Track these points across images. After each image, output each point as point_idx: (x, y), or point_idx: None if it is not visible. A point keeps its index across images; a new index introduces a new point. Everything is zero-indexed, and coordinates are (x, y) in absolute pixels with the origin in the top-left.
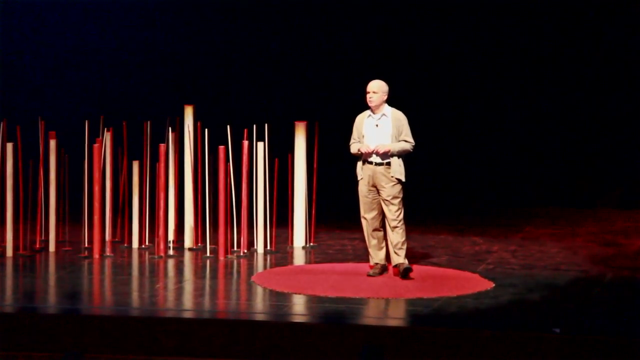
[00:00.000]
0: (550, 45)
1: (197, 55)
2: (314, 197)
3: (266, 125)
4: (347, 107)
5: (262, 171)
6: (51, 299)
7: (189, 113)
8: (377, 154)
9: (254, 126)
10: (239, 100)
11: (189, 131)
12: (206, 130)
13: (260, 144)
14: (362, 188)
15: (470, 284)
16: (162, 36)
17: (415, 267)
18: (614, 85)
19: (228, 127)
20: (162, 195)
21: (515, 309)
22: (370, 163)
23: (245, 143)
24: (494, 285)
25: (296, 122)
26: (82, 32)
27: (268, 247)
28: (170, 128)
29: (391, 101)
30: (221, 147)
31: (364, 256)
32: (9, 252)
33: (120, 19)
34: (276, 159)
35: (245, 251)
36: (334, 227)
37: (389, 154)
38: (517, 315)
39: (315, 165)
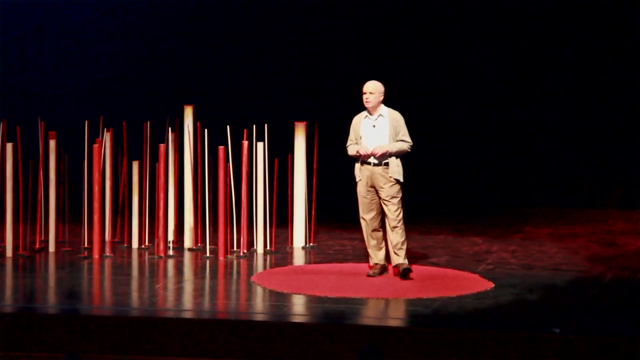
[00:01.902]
0: (550, 45)
1: (197, 55)
2: (313, 197)
3: (266, 125)
4: (347, 107)
5: (261, 171)
6: (51, 299)
7: (188, 113)
8: (375, 156)
9: (254, 126)
10: (239, 100)
11: (188, 131)
12: (206, 130)
13: (260, 144)
14: (361, 189)
15: (470, 284)
16: (162, 36)
17: (415, 267)
18: (614, 85)
19: (228, 127)
20: (161, 195)
21: (515, 309)
22: (369, 164)
23: (245, 143)
24: (493, 285)
25: (296, 122)
26: (82, 33)
27: (268, 248)
28: (170, 128)
29: (391, 101)
30: (221, 148)
31: (363, 256)
32: (9, 252)
33: (121, 19)
34: (276, 159)
35: (245, 251)
36: (334, 227)
37: (387, 154)
38: (517, 315)
39: (315, 166)
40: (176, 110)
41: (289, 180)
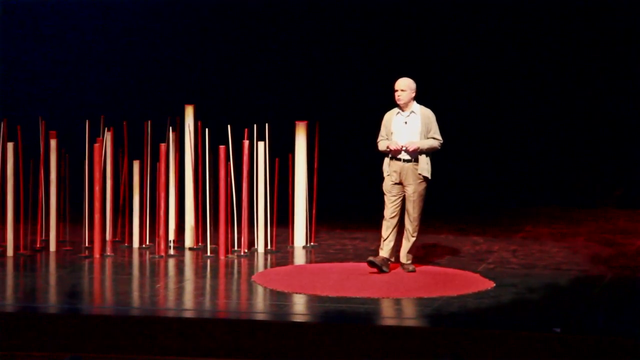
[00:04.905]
0: (551, 45)
1: (197, 55)
2: (314, 196)
3: (267, 125)
4: (347, 107)
5: (262, 171)
6: (51, 299)
7: (189, 113)
8: (407, 151)
9: (255, 126)
10: (239, 100)
11: (189, 131)
12: (207, 129)
13: (261, 144)
14: (387, 184)
15: (470, 283)
16: (163, 36)
17: (416, 266)
18: (614, 85)
19: (228, 126)
20: (162, 194)
21: (515, 308)
22: (399, 160)
23: (246, 143)
24: (494, 284)
25: (297, 122)
26: (82, 32)
27: (268, 247)
28: (170, 128)
29: (386, 101)
30: (222, 147)
31: (364, 256)
32: (10, 251)
33: (121, 18)
34: (277, 159)
35: (246, 251)
36: (335, 226)
37: (418, 151)
38: (517, 315)
39: (315, 165)
40: (177, 110)
41: (290, 180)
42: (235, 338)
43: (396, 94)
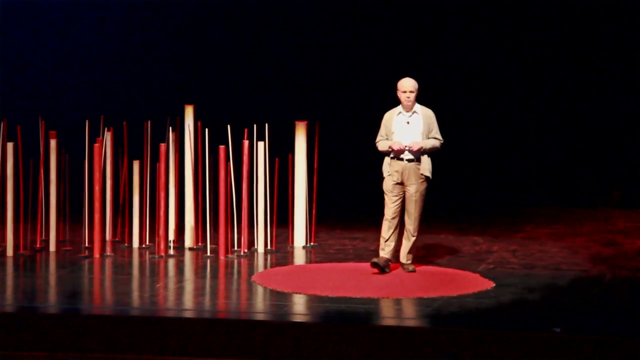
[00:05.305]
0: (550, 44)
1: (197, 55)
2: (314, 196)
3: (266, 125)
4: (347, 107)
5: (262, 171)
6: (51, 299)
7: (189, 113)
8: (411, 151)
9: (255, 126)
10: (239, 100)
11: (189, 131)
12: (206, 130)
13: (261, 144)
14: (388, 184)
15: (470, 283)
16: (163, 36)
17: (416, 266)
18: (614, 84)
19: (228, 126)
20: (162, 194)
21: (515, 308)
22: (401, 159)
23: (246, 143)
24: (494, 285)
25: (296, 122)
26: (82, 32)
27: (268, 247)
28: (170, 128)
29: (389, 100)
30: (221, 147)
31: (364, 256)
32: (10, 251)
33: (121, 18)
34: (276, 159)
35: (246, 251)
36: (335, 226)
37: (421, 151)
38: (517, 315)
39: (315, 165)
40: (177, 110)
41: (290, 180)
42: (235, 338)
43: (405, 95)
